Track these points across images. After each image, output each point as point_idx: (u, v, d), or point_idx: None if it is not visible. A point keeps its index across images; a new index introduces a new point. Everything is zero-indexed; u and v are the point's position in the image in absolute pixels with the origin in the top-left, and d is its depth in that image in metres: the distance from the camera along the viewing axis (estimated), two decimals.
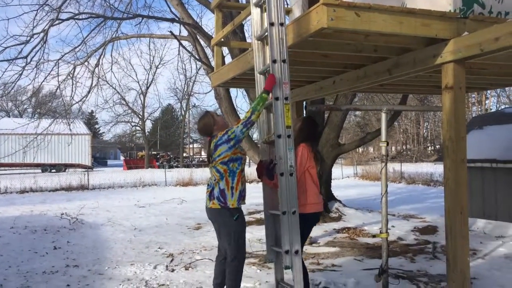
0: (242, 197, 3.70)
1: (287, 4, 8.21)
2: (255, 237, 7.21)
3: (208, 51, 11.32)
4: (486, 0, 3.75)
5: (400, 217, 9.47)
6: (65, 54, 11.31)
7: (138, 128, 45.22)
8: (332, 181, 10.39)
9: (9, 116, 44.90)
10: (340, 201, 10.20)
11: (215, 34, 6.06)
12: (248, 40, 9.17)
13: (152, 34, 13.89)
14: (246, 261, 5.62)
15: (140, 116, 42.65)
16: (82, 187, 18.04)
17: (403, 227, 8.15)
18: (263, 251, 6.17)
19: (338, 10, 3.36)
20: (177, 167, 37.24)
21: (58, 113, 14.34)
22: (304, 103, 7.58)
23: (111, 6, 11.32)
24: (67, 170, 32.85)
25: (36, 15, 10.05)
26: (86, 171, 21.41)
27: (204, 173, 21.81)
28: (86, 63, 11.80)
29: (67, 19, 10.25)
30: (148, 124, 48.30)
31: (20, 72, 10.03)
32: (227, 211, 3.63)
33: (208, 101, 79.95)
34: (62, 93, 11.54)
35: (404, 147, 45.75)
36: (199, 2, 10.43)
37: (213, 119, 3.85)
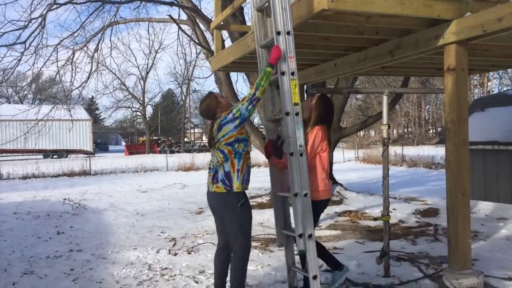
0: (246, 180, 3.48)
1: None
2: (257, 220, 7.24)
3: (207, 35, 11.21)
4: None
5: (402, 200, 9.50)
6: (64, 39, 11.21)
7: (138, 113, 45.17)
8: (333, 164, 10.40)
9: (9, 102, 44.85)
10: (341, 185, 10.23)
11: (214, 18, 5.99)
12: (248, 23, 9.07)
13: (151, 18, 13.73)
14: None
15: (140, 102, 42.56)
16: (84, 173, 18.10)
17: (405, 210, 8.18)
18: (265, 234, 6.21)
19: None
20: (178, 152, 37.32)
21: (58, 98, 14.31)
22: (305, 86, 7.54)
23: None
24: (69, 156, 32.94)
25: None
26: (88, 156, 21.49)
27: (205, 158, 21.84)
28: (85, 48, 11.70)
29: (65, 4, 10.12)
30: (149, 110, 48.27)
31: (19, 58, 9.94)
32: (232, 195, 3.39)
33: (209, 86, 79.58)
34: (62, 78, 11.47)
35: (405, 130, 45.68)
36: None
37: (216, 100, 3.58)
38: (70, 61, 11.31)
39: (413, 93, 32.43)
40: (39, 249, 5.87)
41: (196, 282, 4.34)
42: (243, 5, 9.15)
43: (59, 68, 11.19)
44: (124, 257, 5.35)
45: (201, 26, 10.43)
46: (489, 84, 34.69)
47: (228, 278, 3.58)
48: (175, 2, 9.97)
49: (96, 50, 11.97)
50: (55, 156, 33.03)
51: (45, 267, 5.01)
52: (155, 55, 41.59)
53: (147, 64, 42.59)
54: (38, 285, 4.41)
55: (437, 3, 3.53)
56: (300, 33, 4.17)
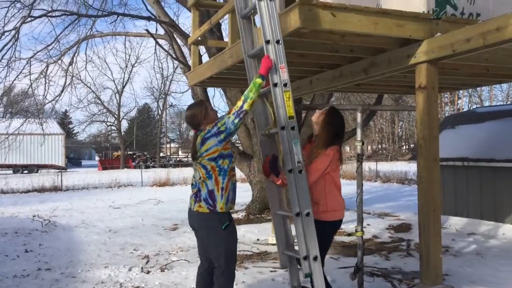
0: (232, 200, 3.24)
1: None
2: None
3: (185, 49, 11.23)
4: (458, 2, 3.83)
5: (376, 215, 9.60)
6: (38, 52, 11.06)
7: (113, 127, 44.54)
8: None
9: None
10: None
11: (192, 33, 6.01)
12: (226, 39, 9.13)
13: (127, 32, 13.70)
14: None
15: (115, 116, 42.00)
16: (55, 189, 17.63)
17: (378, 225, 8.26)
18: (240, 251, 6.16)
19: (314, 10, 3.38)
20: (153, 167, 36.82)
21: (30, 112, 13.98)
22: None
23: (86, 3, 11.13)
24: (39, 171, 32.07)
25: (7, 12, 9.80)
26: (59, 172, 20.95)
27: (181, 173, 21.63)
28: (59, 62, 11.55)
29: (40, 16, 10.00)
30: (124, 124, 47.65)
31: None
32: (215, 216, 3.15)
33: (186, 101, 79.36)
34: (35, 92, 11.28)
35: (379, 146, 46.46)
36: (176, 0, 10.34)
37: (205, 111, 3.30)
38: (43, 74, 11.13)
39: (386, 110, 33.11)
40: (5, 268, 5.65)
41: None
42: (220, 21, 9.22)
43: (32, 82, 10.99)
44: (94, 275, 5.21)
45: (179, 41, 10.46)
46: (459, 102, 35.74)
47: None
48: (153, 17, 9.97)
49: (70, 63, 11.83)
50: (25, 171, 32.10)
51: (12, 287, 4.82)
52: (132, 69, 41.37)
53: (123, 78, 42.18)
54: None
55: (408, 24, 3.64)
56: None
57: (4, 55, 9.86)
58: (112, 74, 52.34)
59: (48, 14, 10.14)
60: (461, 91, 32.30)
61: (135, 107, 48.66)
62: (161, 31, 11.49)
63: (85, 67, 16.73)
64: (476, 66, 4.87)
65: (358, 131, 4.62)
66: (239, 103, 3.08)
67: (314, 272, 3.02)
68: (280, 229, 3.45)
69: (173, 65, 24.08)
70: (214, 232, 3.17)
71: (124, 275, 5.17)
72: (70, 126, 51.90)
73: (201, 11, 7.90)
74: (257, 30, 3.50)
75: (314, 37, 3.78)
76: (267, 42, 3.14)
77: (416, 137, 4.02)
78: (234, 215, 9.44)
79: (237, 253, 5.94)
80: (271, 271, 5.15)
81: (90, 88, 32.34)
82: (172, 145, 61.01)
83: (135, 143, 50.27)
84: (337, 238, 7.20)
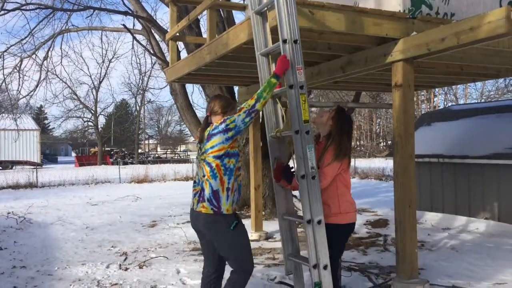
0: (237, 200, 3.06)
1: (243, 0, 8.19)
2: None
3: (163, 45, 11.12)
4: (433, 2, 3.91)
5: None
6: (11, 46, 10.79)
7: (90, 123, 43.83)
8: None
9: None
10: (296, 196, 10.34)
11: (170, 29, 5.96)
12: (204, 35, 9.07)
13: (104, 27, 13.48)
14: (202, 257, 5.60)
15: (92, 111, 41.34)
16: (31, 185, 17.26)
17: (356, 221, 8.36)
18: None
19: None
20: (131, 163, 36.44)
21: (4, 107, 13.65)
22: None
23: None
24: (14, 168, 31.33)
25: None
26: (34, 168, 20.51)
27: (159, 170, 21.47)
28: (34, 56, 11.30)
29: (14, 10, 9.76)
30: (101, 120, 46.98)
31: None
32: (221, 218, 2.95)
33: (164, 96, 78.67)
34: (8, 87, 11.00)
35: (358, 143, 47.01)
36: None
37: (227, 110, 3.11)
38: (17, 69, 10.87)
39: (364, 107, 33.51)
40: None
41: None
42: (199, 17, 9.16)
43: (5, 76, 10.72)
44: (71, 273, 5.13)
45: (157, 36, 10.34)
46: (435, 99, 36.41)
47: None
48: (130, 12, 9.84)
49: (45, 58, 11.59)
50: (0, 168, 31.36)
51: None
52: (109, 65, 40.54)
53: (100, 74, 41.51)
54: None
55: (385, 22, 3.70)
56: (254, 46, 4.23)
57: None
58: (88, 69, 51.33)
59: (22, 8, 9.90)
60: (437, 89, 32.94)
61: (112, 103, 47.92)
62: (138, 26, 11.34)
63: (61, 62, 16.44)
64: (451, 65, 4.99)
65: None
66: (251, 102, 2.91)
67: (324, 281, 2.95)
68: (286, 235, 3.35)
69: (151, 61, 23.78)
70: (223, 233, 2.98)
71: (101, 272, 5.11)
72: (46, 121, 50.87)
73: (179, 7, 7.84)
74: (269, 26, 3.35)
75: None
76: (284, 41, 3.00)
77: (392, 134, 4.09)
78: None
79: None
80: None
81: (65, 83, 31.69)
82: (151, 141, 60.45)
83: (112, 139, 49.60)
84: None
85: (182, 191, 14.72)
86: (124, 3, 9.86)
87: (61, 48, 17.30)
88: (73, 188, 17.12)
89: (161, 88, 43.52)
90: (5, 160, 32.01)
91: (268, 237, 6.89)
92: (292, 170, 3.26)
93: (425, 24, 3.82)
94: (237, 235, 3.00)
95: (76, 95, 38.20)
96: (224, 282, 3.16)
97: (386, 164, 20.14)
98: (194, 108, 10.29)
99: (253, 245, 6.09)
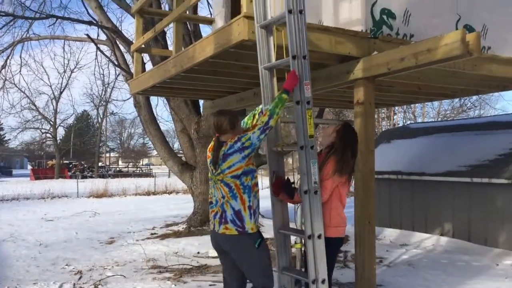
0: (258, 217, 3.08)
1: (211, 14, 8.22)
2: (172, 250, 7.02)
3: (128, 56, 10.96)
4: (393, 23, 4.05)
5: None
6: None
7: (49, 135, 42.36)
8: None
9: None
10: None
11: (135, 40, 5.90)
12: (170, 48, 9.02)
13: (67, 36, 13.17)
14: (161, 275, 5.46)
15: (51, 123, 39.99)
16: None
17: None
18: (179, 265, 6.03)
19: None
20: (91, 177, 35.40)
21: None
22: None
23: (22, 4, 10.59)
24: None
25: None
26: None
27: (120, 184, 20.94)
28: None
29: None
30: (61, 131, 45.47)
31: None
32: (246, 237, 2.95)
33: (127, 109, 77.29)
34: None
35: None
36: (120, 6, 10.09)
37: (236, 121, 3.08)
38: None
39: (327, 123, 34.04)
40: None
41: None
42: (165, 29, 9.11)
43: None
44: None
45: (121, 47, 10.19)
46: (395, 117, 37.53)
47: None
48: (94, 22, 9.67)
49: (3, 66, 11.18)
50: None
51: None
52: (70, 75, 39.57)
53: (61, 84, 40.35)
54: None
55: (348, 41, 3.79)
56: (221, 61, 4.24)
57: None
58: (49, 79, 49.88)
59: None
60: (396, 107, 34.02)
61: (73, 114, 46.65)
62: (103, 37, 11.16)
63: (20, 71, 15.90)
64: (410, 84, 5.16)
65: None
66: (265, 119, 2.92)
67: None
68: (281, 249, 3.33)
69: (115, 72, 23.41)
70: (248, 253, 2.98)
71: None
72: (1, 132, 48.77)
73: (146, 18, 7.78)
74: (273, 40, 3.33)
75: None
76: (294, 57, 3.01)
77: None
78: (175, 228, 9.26)
79: (177, 267, 5.82)
80: (211, 285, 5.08)
81: (24, 93, 30.71)
82: (112, 154, 59.00)
83: (72, 152, 48.05)
84: None
85: (143, 206, 14.40)
86: (88, 13, 9.66)
87: (20, 57, 16.76)
88: (27, 202, 16.40)
89: (124, 100, 42.92)
90: None
91: None
92: (292, 184, 3.25)
93: (386, 44, 3.94)
94: (261, 253, 3.01)
95: (34, 105, 36.92)
96: None
97: None
98: (158, 121, 10.15)
99: (214, 261, 6.02)
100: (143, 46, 5.88)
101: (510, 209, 6.64)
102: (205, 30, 27.23)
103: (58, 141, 41.92)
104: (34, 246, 7.65)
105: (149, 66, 10.40)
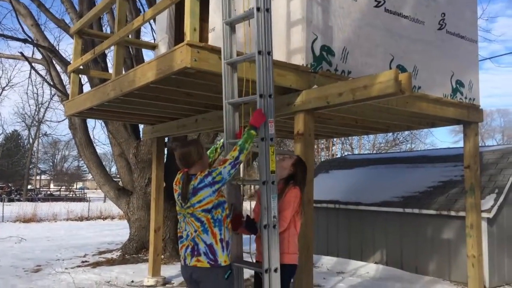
0: (230, 248, 3.07)
1: (154, 40, 8.16)
2: (104, 278, 6.67)
3: (64, 77, 10.56)
4: (332, 59, 4.22)
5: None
6: None
7: None
8: None
9: None
10: None
11: (72, 61, 5.70)
12: (110, 71, 8.82)
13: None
14: None
15: None
16: None
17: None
18: None
19: (202, 52, 3.45)
20: (18, 200, 33.15)
21: None
22: (166, 139, 7.48)
23: None
24: None
25: None
26: None
27: (50, 208, 19.77)
28: None
29: None
30: None
31: None
32: (218, 269, 2.95)
33: (62, 130, 73.90)
34: None
35: None
36: (58, 25, 9.77)
37: (202, 152, 3.09)
38: None
39: (281, 154, 34.49)
40: None
41: None
42: (106, 51, 8.91)
43: None
44: None
45: (58, 67, 9.82)
46: (333, 148, 38.79)
47: None
48: (30, 40, 9.26)
49: None
50: None
51: None
52: (1, 92, 37.40)
53: None
54: None
55: (290, 74, 3.90)
56: (162, 86, 4.19)
57: None
58: None
59: None
60: (335, 139, 35.22)
61: (1, 134, 43.88)
62: (39, 55, 10.69)
63: None
64: (347, 118, 5.36)
65: (241, 171, 4.71)
66: (235, 153, 2.99)
67: None
68: (236, 281, 3.28)
69: (51, 92, 22.44)
70: (218, 283, 2.97)
71: None
72: None
73: (85, 40, 7.57)
74: (237, 76, 3.39)
75: (200, 77, 3.83)
76: (261, 96, 3.11)
77: None
78: (108, 255, 8.84)
79: None
80: None
81: None
82: (43, 177, 55.79)
83: None
84: None
85: (74, 232, 13.66)
86: (23, 31, 9.21)
87: None
88: None
89: (59, 121, 40.95)
90: None
91: (166, 282, 6.58)
92: (253, 220, 3.25)
93: (325, 78, 4.09)
94: (230, 285, 3.03)
95: None
96: None
97: None
98: (95, 144, 9.80)
99: None
100: (81, 67, 5.69)
101: (439, 238, 7.00)
102: (148, 54, 26.97)
103: None
104: None
105: (87, 87, 10.08)
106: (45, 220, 17.63)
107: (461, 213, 6.33)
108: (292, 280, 3.42)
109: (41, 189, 46.20)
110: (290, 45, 4.15)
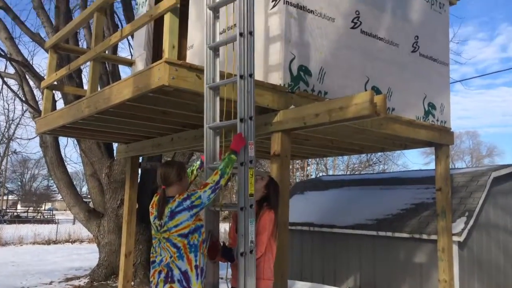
0: (204, 275, 2.98)
1: (131, 56, 8.11)
2: None
3: (37, 93, 10.34)
4: (309, 79, 4.27)
5: None
6: None
7: None
8: None
9: None
10: None
11: (47, 76, 5.58)
12: (85, 87, 8.69)
13: None
14: None
15: None
16: None
17: None
18: None
19: (180, 70, 3.43)
20: None
21: None
22: (140, 159, 7.35)
23: None
24: None
25: None
26: None
27: (17, 231, 19.01)
28: None
29: None
30: None
31: None
32: None
33: (32, 148, 71.96)
34: None
35: None
36: (33, 39, 9.61)
37: (183, 174, 3.04)
38: None
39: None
40: None
41: None
42: (81, 67, 8.79)
43: None
44: None
45: (31, 82, 9.62)
46: (308, 168, 38.98)
47: None
48: (2, 54, 9.06)
49: None
50: None
51: None
52: None
53: None
54: None
55: (267, 94, 3.91)
56: (138, 104, 4.13)
57: None
58: None
59: None
60: (310, 159, 35.44)
61: None
62: (11, 70, 10.46)
63: None
64: (323, 139, 5.40)
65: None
66: (216, 178, 2.95)
67: None
68: None
69: (22, 108, 21.88)
70: None
71: None
72: None
73: (60, 55, 7.46)
74: (218, 99, 3.40)
75: (177, 96, 3.80)
76: (241, 120, 3.12)
77: None
78: (76, 282, 8.51)
79: None
80: None
81: None
82: (10, 197, 53.86)
83: None
84: None
85: (42, 257, 13.12)
86: None
87: None
88: None
89: (30, 139, 39.89)
90: None
91: None
92: (230, 249, 3.20)
93: (302, 99, 4.12)
94: None
95: None
96: None
97: None
98: (66, 163, 9.54)
99: None
100: (55, 83, 5.58)
101: (412, 262, 7.03)
102: (124, 71, 26.78)
103: None
104: None
105: (61, 104, 9.88)
106: (10, 244, 16.94)
107: (433, 237, 6.37)
108: None
109: (8, 210, 44.54)
110: (267, 64, 4.17)
